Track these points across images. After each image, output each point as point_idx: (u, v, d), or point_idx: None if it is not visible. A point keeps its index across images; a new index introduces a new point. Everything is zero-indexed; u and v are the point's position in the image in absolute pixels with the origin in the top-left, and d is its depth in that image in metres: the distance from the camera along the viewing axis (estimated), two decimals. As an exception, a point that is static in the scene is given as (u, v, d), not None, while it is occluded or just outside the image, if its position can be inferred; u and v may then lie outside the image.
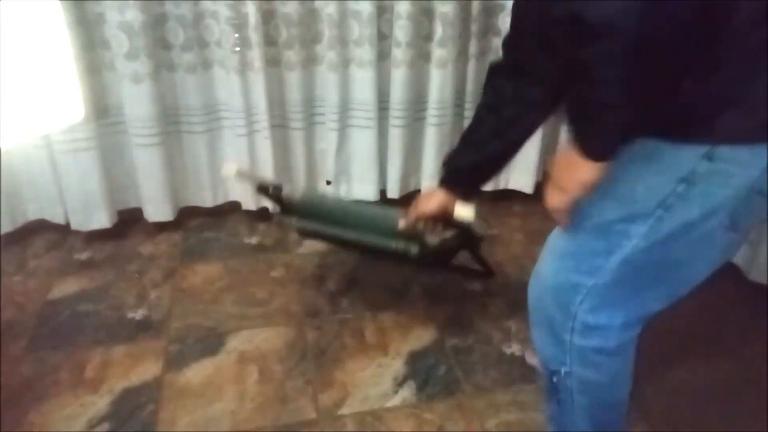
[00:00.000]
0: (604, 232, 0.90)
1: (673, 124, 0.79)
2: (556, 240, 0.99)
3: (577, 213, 0.91)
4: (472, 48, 2.03)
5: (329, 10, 1.88)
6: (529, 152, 2.21)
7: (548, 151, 2.29)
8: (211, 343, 1.57)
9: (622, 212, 0.87)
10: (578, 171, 0.83)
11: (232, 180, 2.01)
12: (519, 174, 2.27)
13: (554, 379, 1.03)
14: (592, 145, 0.81)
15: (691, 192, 0.80)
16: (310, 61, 1.99)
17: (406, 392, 1.42)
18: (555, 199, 0.89)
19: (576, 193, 0.86)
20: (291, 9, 1.87)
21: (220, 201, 2.18)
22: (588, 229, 0.92)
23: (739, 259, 1.84)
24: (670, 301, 0.95)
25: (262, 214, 2.13)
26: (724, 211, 0.82)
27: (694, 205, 0.82)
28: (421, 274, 1.84)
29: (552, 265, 0.99)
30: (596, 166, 0.81)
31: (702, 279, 0.93)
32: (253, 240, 2.05)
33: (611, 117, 0.77)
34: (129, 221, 2.11)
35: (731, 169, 0.78)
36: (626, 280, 0.91)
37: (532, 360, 1.52)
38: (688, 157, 0.79)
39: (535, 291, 1.03)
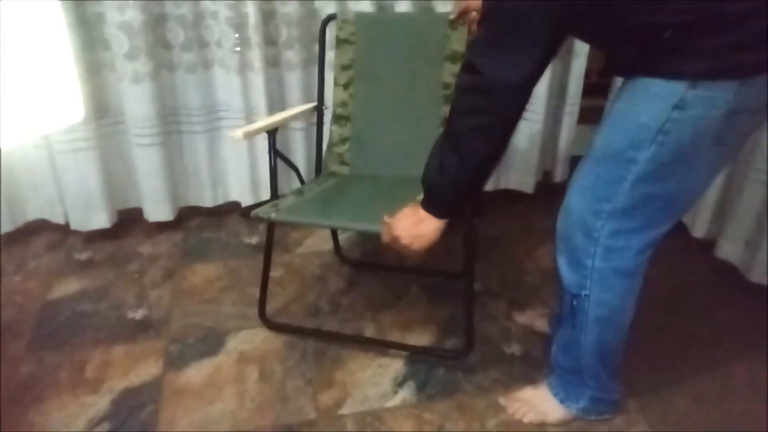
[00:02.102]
0: (615, 161, 1.04)
1: (662, 64, 0.94)
2: (577, 175, 1.13)
3: (591, 147, 1.08)
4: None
5: (329, 10, 1.88)
6: (529, 152, 2.21)
7: (548, 151, 2.30)
8: (211, 343, 1.57)
9: (628, 141, 1.01)
10: (420, 225, 1.14)
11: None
12: (519, 174, 2.27)
13: (574, 303, 1.18)
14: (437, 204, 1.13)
15: (683, 116, 0.94)
16: (310, 62, 1.99)
17: (406, 392, 1.42)
18: (398, 243, 1.16)
19: (411, 242, 1.15)
20: (291, 9, 1.87)
21: (220, 201, 2.18)
22: (602, 160, 1.07)
23: (738, 259, 1.84)
24: (676, 219, 1.10)
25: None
26: (711, 129, 0.95)
27: (687, 127, 0.95)
28: (420, 275, 1.85)
29: (575, 197, 1.14)
30: (438, 226, 1.13)
31: (701, 193, 1.11)
32: (253, 240, 2.05)
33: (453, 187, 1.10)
34: (129, 221, 2.11)
35: (711, 95, 0.92)
36: (639, 203, 1.05)
37: (520, 319, 1.65)
38: (677, 87, 0.93)
39: (562, 224, 1.17)
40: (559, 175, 2.31)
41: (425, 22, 1.58)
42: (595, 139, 1.09)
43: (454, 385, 1.44)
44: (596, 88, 2.47)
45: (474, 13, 1.47)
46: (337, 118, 1.68)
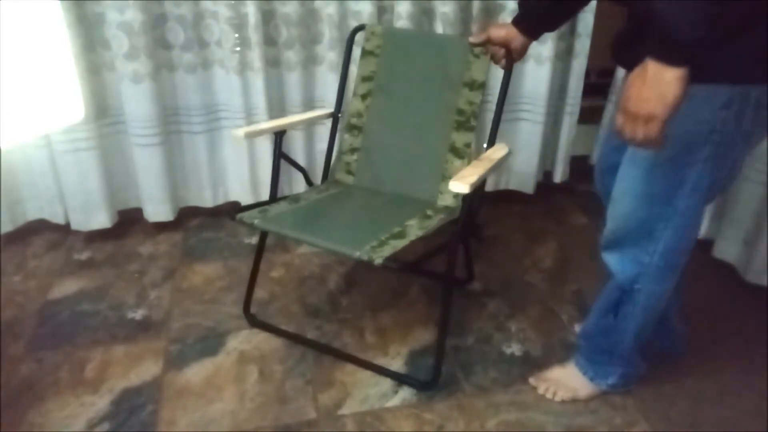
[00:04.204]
0: (671, 166, 1.07)
1: (708, 71, 0.95)
2: (627, 183, 1.15)
3: (636, 155, 1.09)
4: (472, 48, 2.04)
5: (329, 10, 1.88)
6: (530, 153, 2.21)
7: (548, 151, 2.30)
8: (211, 343, 1.57)
9: (683, 146, 1.04)
10: (660, 85, 0.90)
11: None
12: (519, 174, 2.27)
13: (623, 297, 1.24)
14: (678, 35, 0.86)
15: (729, 114, 0.99)
16: (310, 62, 1.99)
17: (406, 392, 1.42)
18: (639, 131, 0.94)
19: (663, 113, 0.91)
20: (291, 9, 1.87)
21: (220, 201, 2.18)
22: (656, 167, 1.09)
23: (736, 259, 1.85)
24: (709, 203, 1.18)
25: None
26: (747, 124, 1.01)
27: (732, 124, 1.00)
28: (420, 275, 1.85)
29: (632, 205, 1.15)
30: (679, 76, 0.88)
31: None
32: (253, 240, 2.05)
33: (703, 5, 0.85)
34: (129, 221, 2.11)
35: (745, 90, 0.97)
36: (698, 201, 1.11)
37: None
38: (724, 89, 0.97)
39: (618, 227, 1.19)
40: (559, 176, 2.31)
41: (450, 44, 1.58)
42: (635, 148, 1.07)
43: (454, 385, 1.44)
44: (596, 88, 2.48)
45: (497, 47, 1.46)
46: (350, 128, 1.68)
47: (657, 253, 1.17)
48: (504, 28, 1.39)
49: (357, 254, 1.25)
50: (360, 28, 1.66)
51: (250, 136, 1.50)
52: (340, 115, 1.70)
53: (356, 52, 1.67)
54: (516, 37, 1.38)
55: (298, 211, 1.50)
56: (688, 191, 1.09)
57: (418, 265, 1.55)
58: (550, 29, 1.44)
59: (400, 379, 1.46)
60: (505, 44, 1.41)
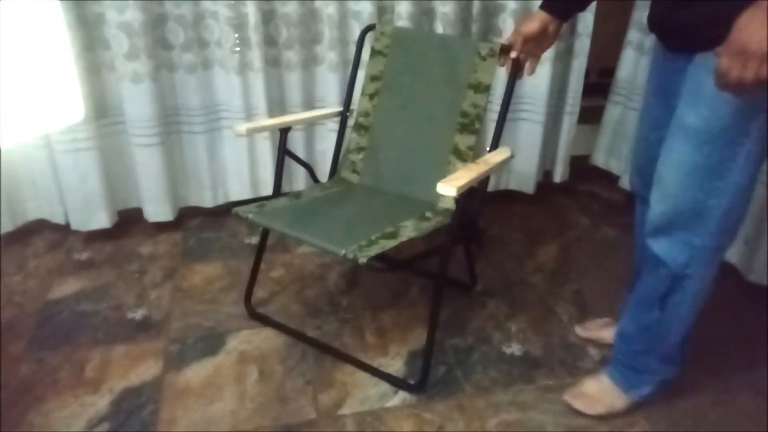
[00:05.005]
0: (725, 138, 1.04)
1: None
2: (673, 160, 1.11)
3: (684, 129, 1.07)
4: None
5: (329, 10, 1.88)
6: (530, 153, 2.21)
7: (548, 151, 2.30)
8: (211, 343, 1.57)
9: (736, 116, 1.01)
10: None
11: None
12: (519, 174, 2.27)
13: (673, 286, 1.20)
14: None
15: None
16: (310, 62, 1.99)
17: (406, 392, 1.42)
18: (751, 72, 0.88)
19: None
20: (291, 9, 1.87)
21: (220, 201, 2.18)
22: (708, 140, 1.05)
23: (738, 259, 1.84)
24: None
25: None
26: None
27: None
28: (417, 275, 1.85)
29: (681, 182, 1.11)
30: None
31: None
32: (253, 240, 2.05)
33: None
34: (129, 221, 2.11)
35: None
36: (752, 172, 1.08)
37: (584, 333, 1.62)
38: None
39: (665, 210, 1.15)
40: (559, 176, 2.31)
41: (458, 46, 1.57)
42: (685, 120, 1.07)
43: (454, 385, 1.44)
44: (596, 88, 2.48)
45: (515, 53, 1.42)
46: (358, 127, 1.68)
47: (708, 234, 1.13)
48: (533, 19, 1.34)
49: (343, 252, 1.25)
50: (370, 27, 1.66)
51: (253, 132, 1.50)
52: (348, 113, 1.71)
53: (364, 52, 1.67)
54: (548, 21, 1.33)
55: (296, 207, 1.50)
56: (741, 163, 1.05)
57: (409, 264, 1.53)
58: (580, 9, 1.39)
59: (391, 381, 1.45)
60: (540, 35, 1.35)
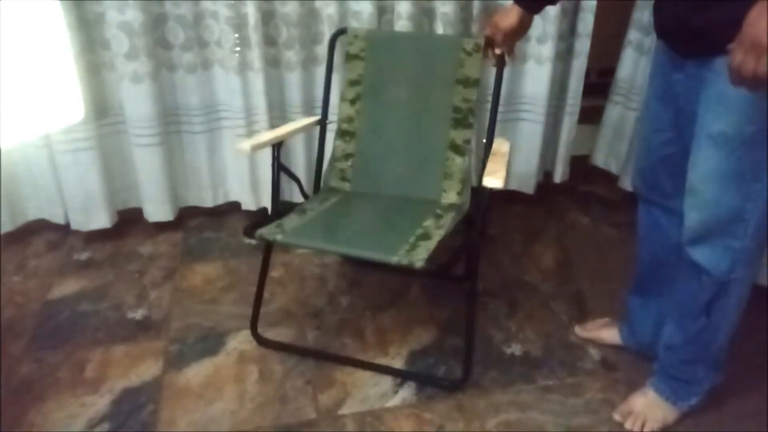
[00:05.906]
0: (757, 142, 1.03)
1: None
2: (707, 167, 1.10)
3: (713, 136, 1.06)
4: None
5: (329, 10, 1.88)
6: (530, 153, 2.21)
7: (549, 151, 2.30)
8: (211, 343, 1.57)
9: (766, 116, 1.00)
10: None
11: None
12: (519, 174, 2.27)
13: (719, 291, 1.18)
14: None
15: None
16: (310, 62, 1.99)
17: (406, 392, 1.42)
18: (763, 66, 0.87)
19: None
20: (291, 9, 1.87)
21: (220, 201, 2.18)
22: (740, 145, 1.05)
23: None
24: None
25: (262, 214, 2.13)
26: None
27: None
28: (419, 275, 1.84)
29: (716, 188, 1.10)
30: None
31: None
32: (253, 240, 2.05)
33: None
34: (129, 221, 2.11)
35: None
36: None
37: (584, 333, 1.62)
38: None
39: (704, 218, 1.14)
40: (559, 176, 2.31)
41: (439, 43, 1.58)
42: (713, 128, 1.06)
43: (454, 385, 1.44)
44: (596, 88, 2.47)
45: (499, 50, 1.46)
46: (341, 134, 1.67)
47: (747, 236, 1.12)
48: (509, 14, 1.38)
49: (395, 259, 1.24)
50: (341, 32, 1.65)
51: (257, 149, 1.47)
52: (327, 122, 1.69)
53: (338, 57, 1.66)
54: (523, 15, 1.37)
55: (314, 222, 1.48)
56: None
57: (451, 265, 1.51)
58: (552, 2, 1.41)
59: (429, 381, 1.45)
60: (517, 28, 1.39)
